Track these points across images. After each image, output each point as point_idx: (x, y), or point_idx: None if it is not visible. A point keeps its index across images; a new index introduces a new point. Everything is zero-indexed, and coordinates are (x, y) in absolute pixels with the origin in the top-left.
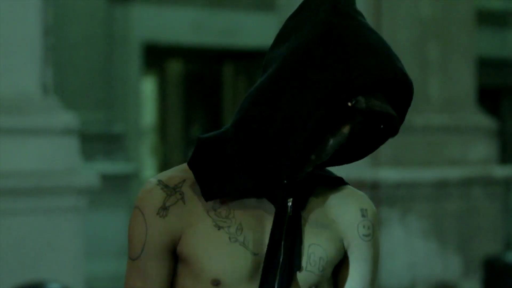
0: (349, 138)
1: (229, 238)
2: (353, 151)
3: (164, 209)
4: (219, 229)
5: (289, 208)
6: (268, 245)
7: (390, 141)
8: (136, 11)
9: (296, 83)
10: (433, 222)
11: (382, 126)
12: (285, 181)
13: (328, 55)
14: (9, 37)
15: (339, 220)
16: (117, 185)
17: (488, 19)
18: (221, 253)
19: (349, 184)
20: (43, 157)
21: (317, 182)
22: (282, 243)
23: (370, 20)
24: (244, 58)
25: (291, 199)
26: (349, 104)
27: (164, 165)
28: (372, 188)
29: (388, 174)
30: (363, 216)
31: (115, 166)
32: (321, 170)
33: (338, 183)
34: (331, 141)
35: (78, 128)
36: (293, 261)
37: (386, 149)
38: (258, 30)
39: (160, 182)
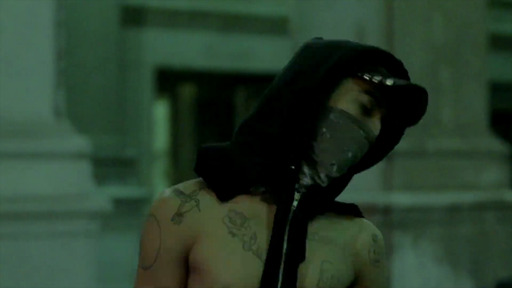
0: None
1: (243, 246)
2: (372, 154)
3: (179, 216)
4: (233, 236)
5: (294, 202)
6: (272, 235)
7: (403, 165)
8: (149, 35)
9: (289, 76)
10: (445, 246)
11: (397, 122)
12: (293, 167)
13: (313, 52)
14: (22, 60)
15: (351, 244)
16: (129, 209)
17: (501, 43)
18: (234, 260)
19: (362, 215)
20: (55, 181)
21: (330, 207)
22: (286, 236)
23: (382, 43)
24: (257, 82)
25: (300, 194)
26: (367, 77)
27: None
28: (384, 213)
29: (400, 199)
30: (374, 241)
31: (128, 190)
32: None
33: (352, 210)
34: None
35: (90, 152)
36: (297, 253)
37: (399, 173)
38: (270, 54)
39: (175, 190)
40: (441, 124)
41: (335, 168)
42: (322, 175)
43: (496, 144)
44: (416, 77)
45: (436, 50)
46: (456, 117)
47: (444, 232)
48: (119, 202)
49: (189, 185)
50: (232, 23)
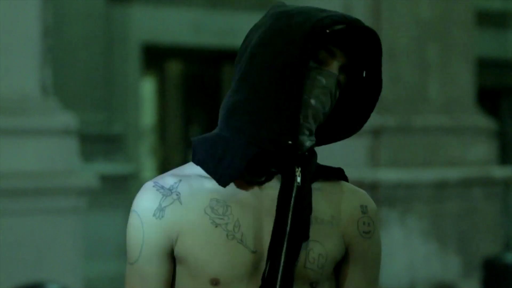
0: (339, 101)
1: (227, 235)
2: (347, 119)
3: (160, 210)
4: (216, 227)
5: (297, 178)
6: (276, 214)
7: (390, 141)
8: (135, 11)
9: (267, 56)
10: (432, 222)
11: (364, 73)
12: (290, 142)
13: (283, 28)
14: (9, 37)
15: (339, 217)
16: (116, 186)
17: (487, 19)
18: (219, 251)
19: (348, 179)
20: (42, 157)
21: (317, 172)
22: (290, 213)
23: (369, 21)
24: None
25: (299, 168)
26: (327, 31)
27: (163, 166)
28: (372, 189)
29: (388, 175)
30: (363, 212)
31: (115, 167)
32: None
33: (338, 174)
34: (323, 81)
35: (77, 129)
36: (301, 231)
37: (386, 149)
38: None
39: (156, 183)
40: (428, 100)
41: (310, 119)
42: (306, 136)
43: (483, 121)
44: (403, 54)
45: (423, 27)
46: (443, 94)
47: (431, 208)
48: (106, 179)
49: (169, 177)
50: None
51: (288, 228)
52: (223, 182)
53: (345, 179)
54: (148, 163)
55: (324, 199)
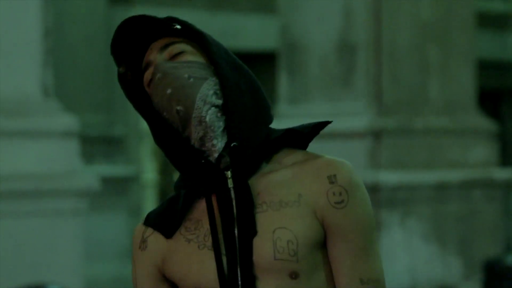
0: None
1: (198, 246)
2: None
3: (143, 242)
4: (189, 242)
5: (229, 181)
6: (221, 218)
7: (391, 143)
8: (136, 12)
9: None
10: (433, 224)
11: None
12: (203, 161)
13: None
14: (9, 39)
15: (306, 193)
16: (117, 188)
17: (488, 21)
18: (193, 263)
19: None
20: (43, 159)
21: (269, 148)
22: (235, 214)
23: (370, 22)
24: (244, 60)
25: (229, 171)
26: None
27: (164, 168)
28: (372, 191)
29: (388, 177)
30: (331, 182)
31: (115, 169)
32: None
33: (289, 136)
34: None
35: (78, 131)
36: (247, 230)
37: (386, 151)
38: (258, 32)
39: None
40: (429, 102)
41: (203, 130)
42: (211, 144)
43: (483, 122)
44: (403, 56)
45: (424, 28)
46: (444, 95)
47: (432, 210)
48: (106, 181)
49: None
50: (220, 0)
51: (236, 228)
52: (168, 236)
53: (306, 136)
54: (149, 165)
55: (286, 180)
